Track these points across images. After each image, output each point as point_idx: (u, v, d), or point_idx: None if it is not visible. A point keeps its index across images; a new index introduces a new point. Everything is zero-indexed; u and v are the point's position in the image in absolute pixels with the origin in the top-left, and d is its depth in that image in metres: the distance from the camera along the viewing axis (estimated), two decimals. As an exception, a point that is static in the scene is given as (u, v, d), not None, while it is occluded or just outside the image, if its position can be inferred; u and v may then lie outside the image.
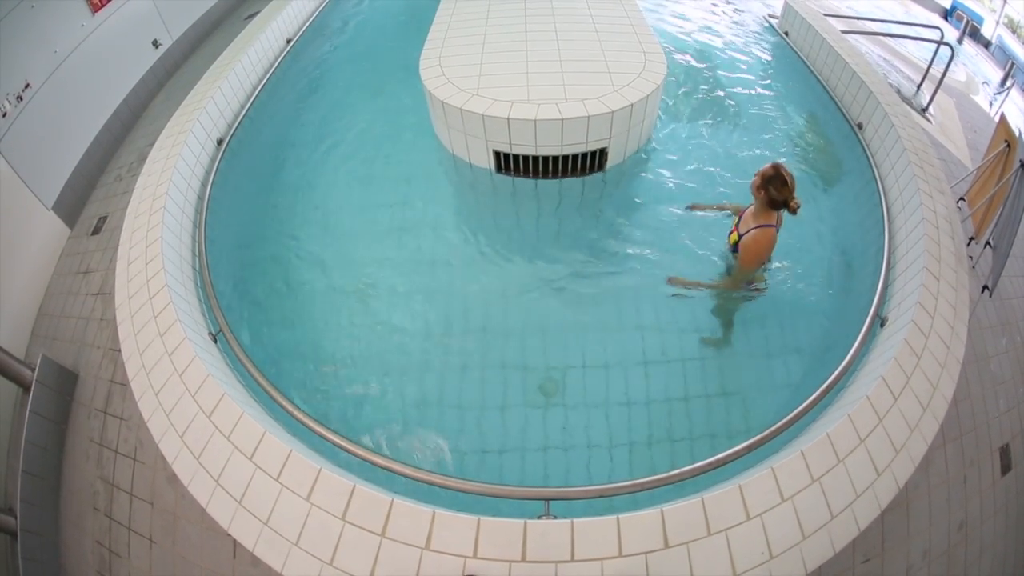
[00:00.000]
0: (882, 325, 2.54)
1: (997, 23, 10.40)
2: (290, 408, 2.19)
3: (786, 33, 5.07)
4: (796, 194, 2.52)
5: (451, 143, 3.75)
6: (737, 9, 5.94)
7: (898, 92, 4.57)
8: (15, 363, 2.83)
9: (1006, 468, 2.74)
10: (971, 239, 3.10)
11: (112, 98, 4.85)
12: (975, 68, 7.84)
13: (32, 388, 2.83)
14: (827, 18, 4.89)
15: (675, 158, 3.87)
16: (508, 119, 3.30)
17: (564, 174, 3.58)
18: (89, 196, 4.38)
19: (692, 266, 3.18)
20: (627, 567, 1.64)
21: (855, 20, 6.18)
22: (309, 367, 2.84)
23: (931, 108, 4.85)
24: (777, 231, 2.67)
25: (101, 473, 2.72)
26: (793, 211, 2.53)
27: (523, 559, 1.66)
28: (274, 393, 2.25)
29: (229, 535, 1.86)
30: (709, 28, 5.52)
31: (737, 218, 2.87)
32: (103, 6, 4.66)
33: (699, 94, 4.49)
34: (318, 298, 3.13)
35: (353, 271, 3.25)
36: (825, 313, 2.99)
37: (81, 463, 2.82)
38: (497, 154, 3.54)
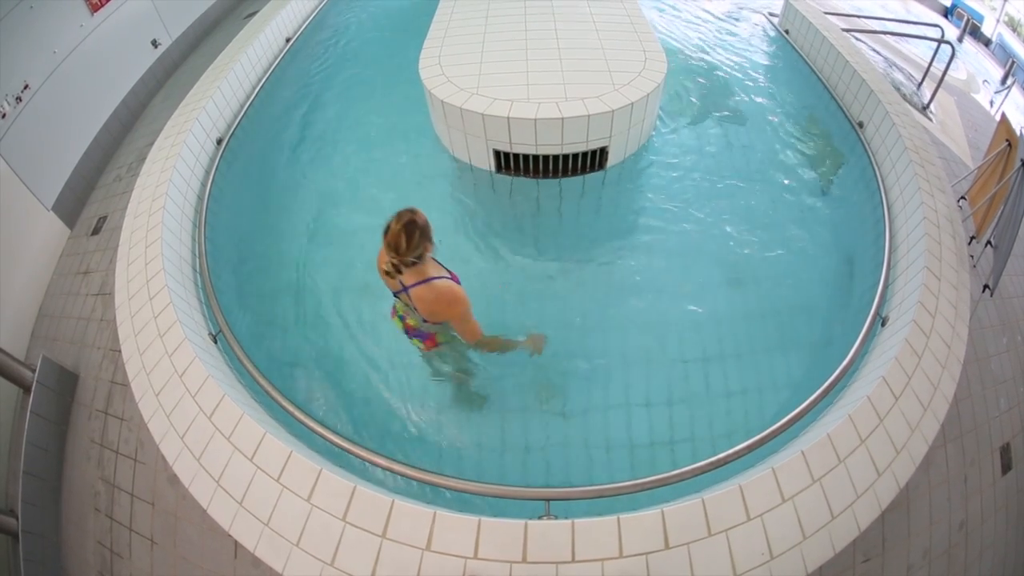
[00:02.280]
0: (883, 324, 2.54)
1: (997, 21, 10.39)
2: (291, 409, 2.19)
3: (786, 31, 5.06)
4: (405, 255, 1.92)
5: (451, 142, 3.75)
6: (737, 7, 5.93)
7: (899, 91, 4.56)
8: (15, 364, 2.84)
9: (1006, 467, 2.74)
10: (972, 238, 3.10)
11: (111, 98, 4.85)
12: (976, 66, 7.82)
13: (33, 389, 2.83)
14: (828, 16, 4.88)
15: (676, 157, 3.86)
16: (508, 118, 3.29)
17: (564, 173, 3.58)
18: (89, 196, 4.38)
19: (691, 264, 3.19)
20: (628, 567, 1.64)
21: (856, 18, 6.17)
22: (309, 366, 2.84)
23: (932, 106, 4.84)
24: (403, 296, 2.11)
25: (102, 474, 2.72)
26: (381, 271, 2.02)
27: (524, 560, 1.66)
28: (274, 394, 2.25)
29: (230, 536, 1.86)
30: (709, 27, 5.51)
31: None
32: (102, 6, 4.65)
33: (700, 93, 4.48)
34: (319, 297, 3.13)
35: (353, 270, 3.24)
36: (826, 312, 2.99)
37: (82, 464, 2.83)
38: (497, 153, 3.54)
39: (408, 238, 1.92)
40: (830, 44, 4.31)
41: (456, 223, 3.55)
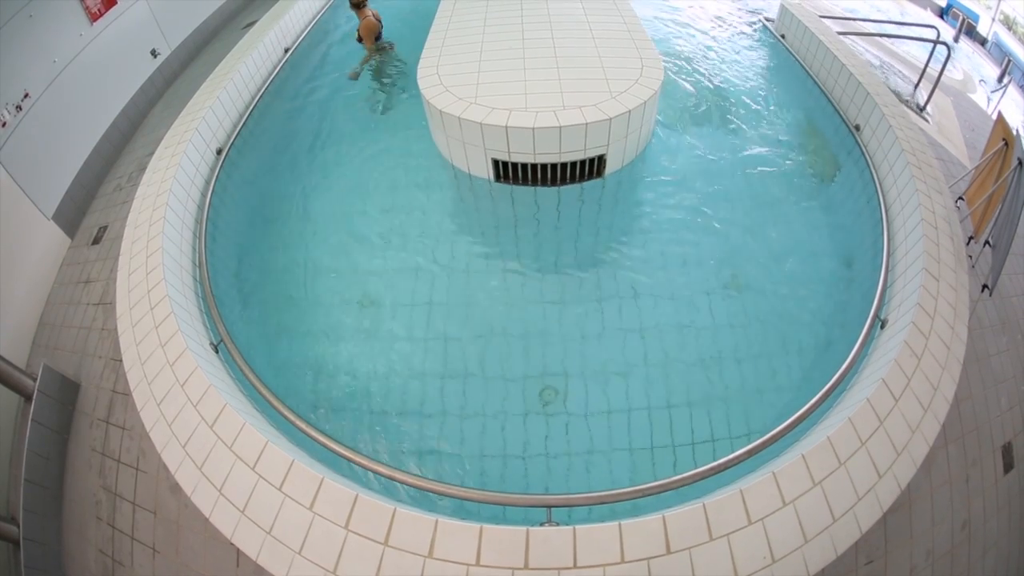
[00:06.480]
0: (882, 327, 2.54)
1: (993, 20, 10.43)
2: (292, 418, 2.20)
3: (782, 36, 5.08)
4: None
5: (449, 152, 3.76)
6: (733, 12, 5.96)
7: (895, 92, 4.58)
8: (17, 373, 2.84)
9: (1008, 466, 2.74)
10: (970, 238, 3.10)
11: (111, 108, 4.86)
12: (972, 66, 7.84)
13: (34, 398, 2.84)
14: (823, 20, 4.90)
15: (673, 163, 3.88)
16: (506, 127, 3.31)
17: (563, 182, 3.59)
18: (89, 206, 4.39)
19: (690, 270, 3.20)
20: (629, 573, 1.64)
21: (851, 21, 6.20)
22: (310, 376, 2.84)
23: (928, 107, 4.86)
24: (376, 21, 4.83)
25: (103, 482, 2.73)
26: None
27: (526, 566, 1.66)
28: (276, 403, 2.25)
29: (232, 544, 1.86)
30: (706, 32, 5.54)
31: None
32: (101, 15, 4.68)
33: (697, 99, 4.50)
34: (318, 307, 3.14)
35: (353, 281, 3.25)
36: (825, 315, 2.99)
37: (83, 472, 2.83)
38: (496, 162, 3.55)
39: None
40: (826, 48, 4.33)
41: (455, 232, 3.55)
